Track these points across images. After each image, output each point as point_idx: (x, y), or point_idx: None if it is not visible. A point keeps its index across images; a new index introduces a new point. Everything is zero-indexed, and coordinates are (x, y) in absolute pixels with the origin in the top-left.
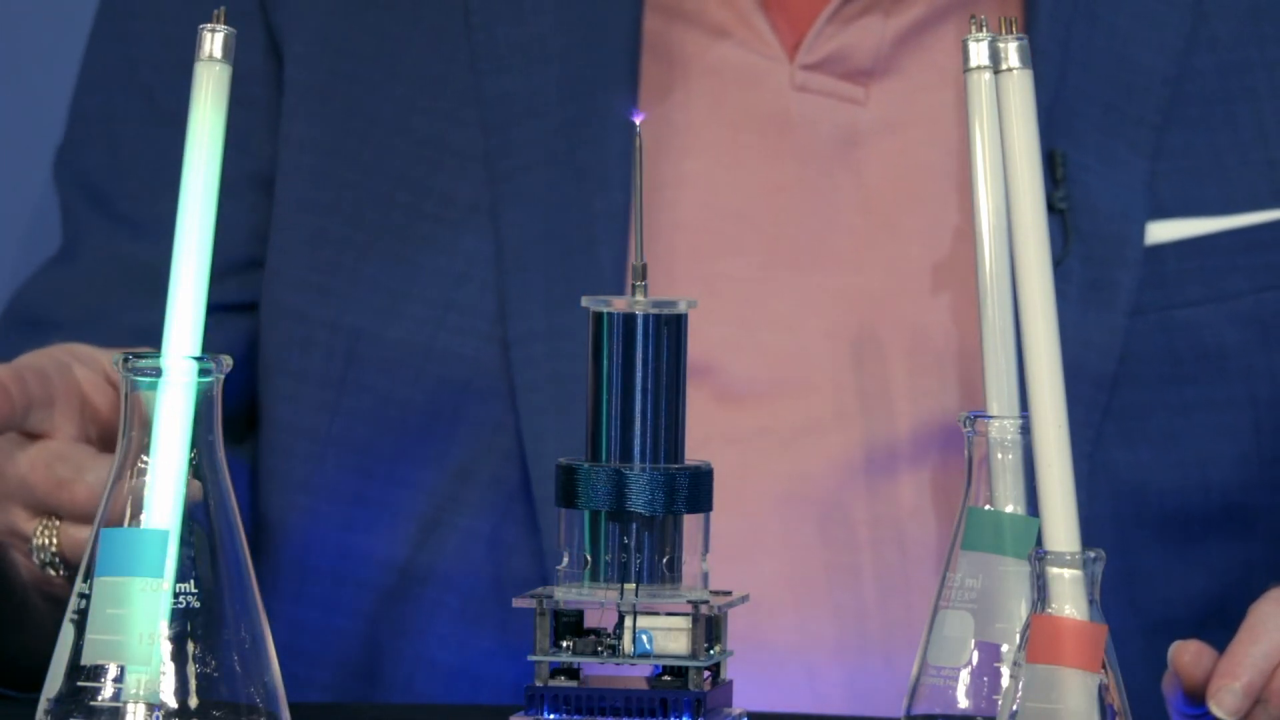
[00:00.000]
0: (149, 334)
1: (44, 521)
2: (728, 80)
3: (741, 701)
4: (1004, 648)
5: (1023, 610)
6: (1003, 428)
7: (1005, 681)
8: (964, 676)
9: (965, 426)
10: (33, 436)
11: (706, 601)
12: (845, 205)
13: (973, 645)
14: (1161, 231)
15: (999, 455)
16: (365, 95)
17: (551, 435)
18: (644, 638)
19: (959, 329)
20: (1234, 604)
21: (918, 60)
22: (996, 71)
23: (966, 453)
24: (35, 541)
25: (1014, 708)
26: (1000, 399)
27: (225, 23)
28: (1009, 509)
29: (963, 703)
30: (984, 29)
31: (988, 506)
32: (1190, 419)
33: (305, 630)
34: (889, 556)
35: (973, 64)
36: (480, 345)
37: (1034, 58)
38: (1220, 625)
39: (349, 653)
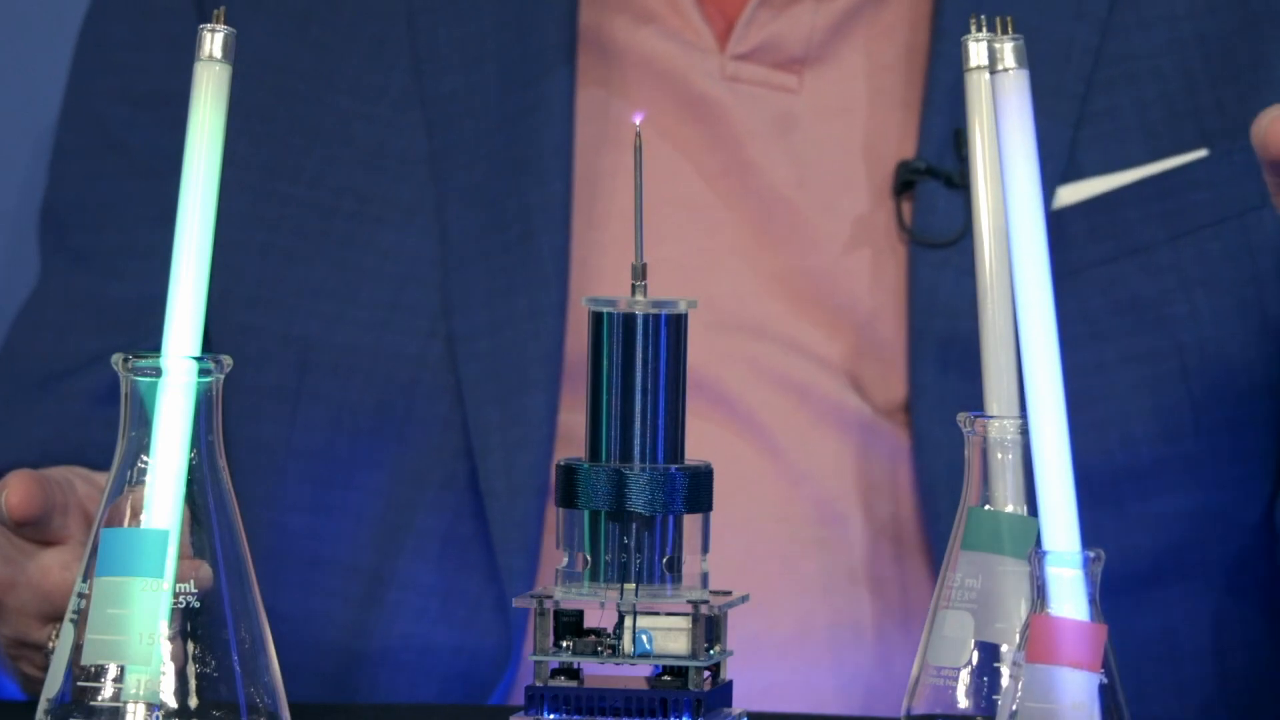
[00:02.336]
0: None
1: (58, 627)
2: (661, 71)
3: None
4: (1004, 648)
5: (1023, 610)
6: (1002, 428)
7: (1005, 681)
8: (964, 676)
9: (965, 426)
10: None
11: (706, 601)
12: (783, 188)
13: (973, 645)
14: (1070, 194)
15: (998, 455)
16: (308, 110)
17: (496, 429)
18: (644, 638)
19: (896, 303)
20: (1189, 554)
21: (851, 45)
22: (993, 72)
23: (966, 452)
24: (50, 646)
25: (1014, 708)
26: (1000, 399)
27: (224, 23)
28: (1009, 509)
29: (963, 703)
30: (983, 29)
31: (987, 506)
32: (1107, 377)
33: (279, 644)
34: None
35: (972, 64)
36: (425, 343)
37: (942, 37)
38: (1179, 578)
39: (323, 662)
